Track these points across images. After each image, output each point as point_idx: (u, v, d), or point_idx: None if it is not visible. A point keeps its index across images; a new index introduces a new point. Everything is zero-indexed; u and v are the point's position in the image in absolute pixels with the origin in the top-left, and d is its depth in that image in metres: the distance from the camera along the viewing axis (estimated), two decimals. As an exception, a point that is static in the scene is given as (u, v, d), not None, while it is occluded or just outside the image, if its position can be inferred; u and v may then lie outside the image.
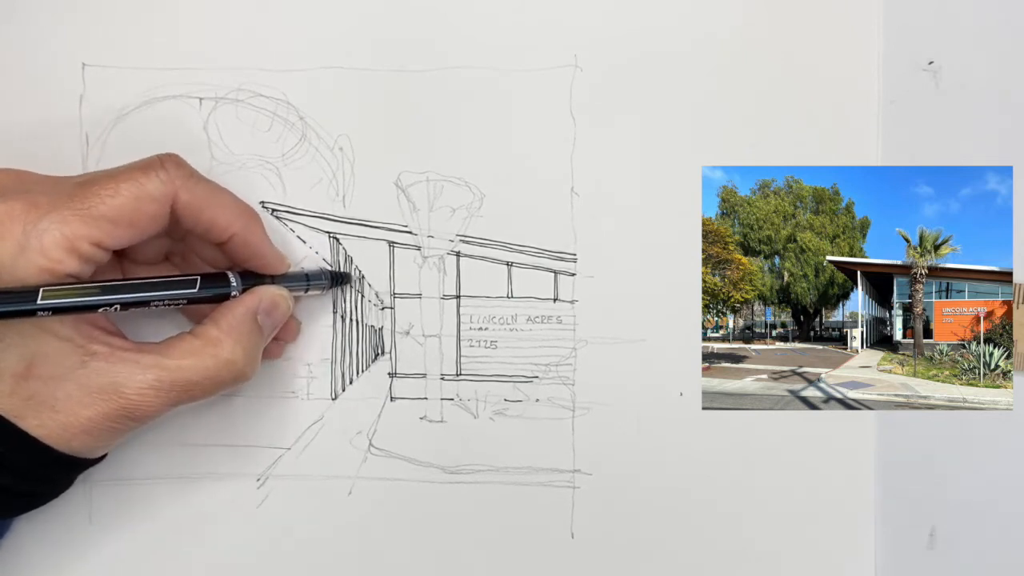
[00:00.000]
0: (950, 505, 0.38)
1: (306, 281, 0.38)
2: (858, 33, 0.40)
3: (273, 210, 0.39)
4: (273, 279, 0.36)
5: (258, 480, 0.40)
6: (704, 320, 0.41)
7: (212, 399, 0.35)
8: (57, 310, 0.30)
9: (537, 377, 0.41)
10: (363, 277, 0.40)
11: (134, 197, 0.32)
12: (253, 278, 0.36)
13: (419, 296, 0.41)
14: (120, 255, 0.35)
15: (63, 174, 0.34)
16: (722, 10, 0.40)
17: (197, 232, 0.34)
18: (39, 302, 0.29)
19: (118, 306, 0.31)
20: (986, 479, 0.37)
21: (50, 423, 0.31)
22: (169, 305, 0.33)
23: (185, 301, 0.33)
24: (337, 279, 0.39)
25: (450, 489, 0.40)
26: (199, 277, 0.33)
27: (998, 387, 0.40)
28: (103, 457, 0.35)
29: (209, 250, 0.37)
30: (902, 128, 0.40)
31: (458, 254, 0.40)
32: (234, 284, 0.35)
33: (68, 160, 0.38)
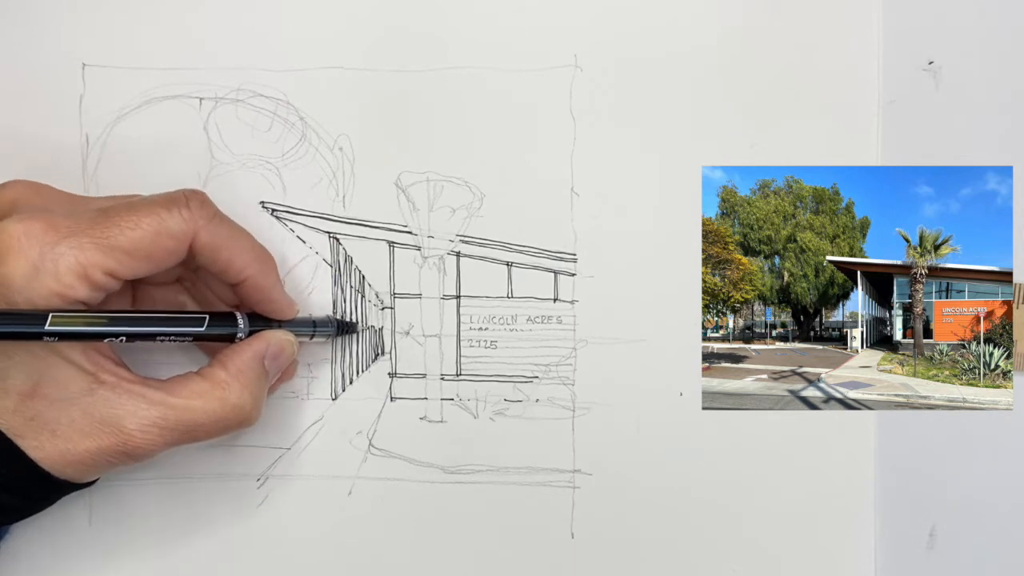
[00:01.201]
0: (950, 505, 0.38)
1: (312, 328, 0.38)
2: (858, 33, 0.40)
3: (273, 210, 0.39)
4: (280, 323, 0.36)
5: (258, 480, 0.40)
6: (704, 320, 0.41)
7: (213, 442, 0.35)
8: (64, 336, 0.29)
9: (537, 377, 0.41)
10: (363, 277, 0.40)
11: (154, 232, 0.31)
12: (260, 320, 0.36)
13: (419, 296, 0.41)
14: None
15: (64, 174, 0.35)
16: (722, 10, 0.40)
17: (212, 271, 0.34)
18: (47, 327, 0.29)
19: (124, 337, 0.31)
20: (986, 479, 0.37)
21: (48, 447, 0.31)
22: (175, 341, 0.33)
23: (191, 339, 0.33)
24: (343, 328, 0.39)
25: (450, 489, 0.40)
26: (207, 316, 0.33)
27: (998, 387, 0.40)
28: (93, 482, 0.34)
29: (220, 285, 0.37)
30: (902, 128, 0.40)
31: (458, 254, 0.40)
32: (241, 326, 0.35)
33: (68, 160, 0.38)
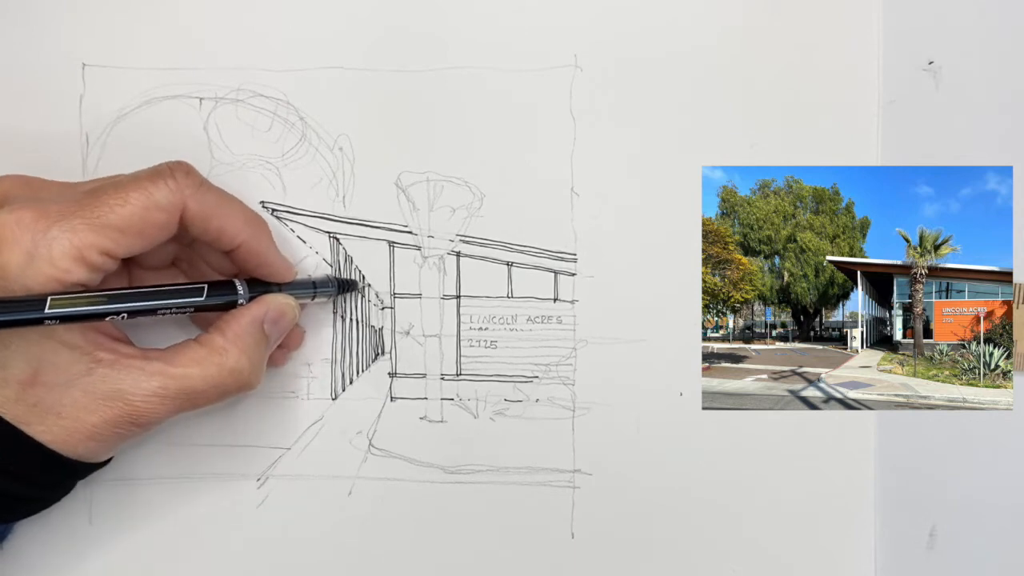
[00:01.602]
0: (950, 505, 0.38)
1: (313, 288, 0.38)
2: (858, 33, 0.40)
3: (273, 210, 0.40)
4: (280, 287, 0.36)
5: (258, 480, 0.40)
6: (704, 320, 0.41)
7: (217, 406, 0.35)
8: (64, 319, 0.30)
9: (537, 377, 0.41)
10: (363, 277, 0.40)
11: (143, 207, 0.31)
12: (260, 286, 0.36)
13: (419, 296, 0.41)
14: (128, 260, 0.35)
15: (64, 174, 0.34)
16: (722, 10, 0.40)
17: (205, 240, 0.34)
18: (46, 311, 0.29)
19: (125, 314, 0.31)
20: (986, 479, 0.37)
21: (55, 428, 0.31)
22: (176, 313, 0.33)
23: (192, 309, 0.33)
24: (344, 286, 0.39)
25: (450, 489, 0.40)
26: (206, 285, 0.33)
27: (998, 387, 0.40)
28: (108, 461, 0.35)
29: (216, 257, 0.37)
30: (902, 128, 0.40)
31: (458, 254, 0.40)
32: (241, 292, 0.35)
33: (68, 160, 0.38)
